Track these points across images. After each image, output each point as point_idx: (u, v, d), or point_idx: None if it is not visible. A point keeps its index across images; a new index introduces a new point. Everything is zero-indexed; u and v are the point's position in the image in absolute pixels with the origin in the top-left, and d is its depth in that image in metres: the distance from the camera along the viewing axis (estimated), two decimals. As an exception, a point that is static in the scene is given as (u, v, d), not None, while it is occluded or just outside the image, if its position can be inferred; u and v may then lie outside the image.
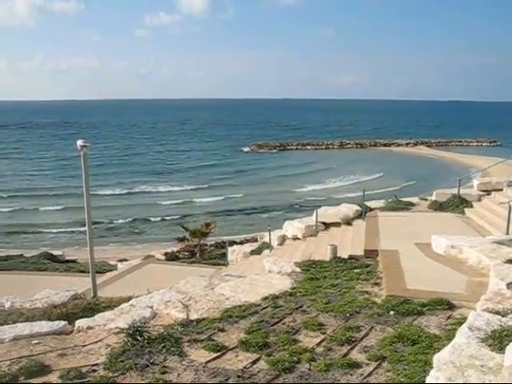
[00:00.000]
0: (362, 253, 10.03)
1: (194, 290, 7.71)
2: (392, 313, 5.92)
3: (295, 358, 4.71)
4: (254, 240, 22.45)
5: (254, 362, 4.73)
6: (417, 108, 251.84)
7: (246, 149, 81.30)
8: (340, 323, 5.71)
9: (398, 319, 5.72)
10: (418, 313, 5.85)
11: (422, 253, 9.11)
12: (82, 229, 29.01)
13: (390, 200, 16.63)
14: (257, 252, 17.28)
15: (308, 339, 5.28)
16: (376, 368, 4.52)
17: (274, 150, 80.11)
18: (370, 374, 4.41)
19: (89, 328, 5.84)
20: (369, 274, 8.13)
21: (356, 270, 8.51)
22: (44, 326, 5.83)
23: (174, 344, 5.15)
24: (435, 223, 12.50)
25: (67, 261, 21.93)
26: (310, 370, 4.52)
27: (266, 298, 6.79)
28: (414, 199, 16.53)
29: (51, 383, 4.43)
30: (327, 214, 15.89)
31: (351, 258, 9.84)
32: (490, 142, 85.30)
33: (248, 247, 19.13)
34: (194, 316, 6.08)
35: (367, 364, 4.62)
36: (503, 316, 4.34)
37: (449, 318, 5.72)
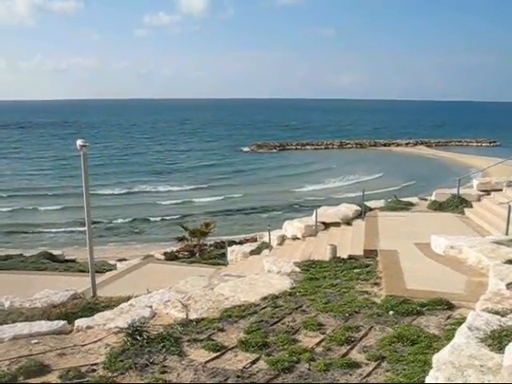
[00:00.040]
0: (362, 253, 10.03)
1: (193, 289, 7.71)
2: (391, 313, 5.92)
3: (294, 358, 4.71)
4: (254, 240, 22.46)
5: (254, 362, 4.73)
6: (417, 108, 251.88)
7: (246, 149, 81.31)
8: (339, 323, 5.71)
9: (397, 319, 5.72)
10: (418, 313, 5.85)
11: (421, 253, 9.11)
12: (81, 228, 28.99)
13: (389, 200, 16.64)
14: (256, 252, 17.29)
15: (307, 339, 5.28)
16: (375, 368, 4.52)
17: (274, 150, 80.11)
18: (369, 374, 4.41)
19: (88, 328, 5.84)
20: (368, 273, 8.13)
21: (355, 270, 8.51)
22: (43, 325, 5.83)
23: (174, 344, 5.15)
24: (435, 223, 12.50)
25: (66, 260, 21.92)
26: (309, 369, 4.52)
27: (265, 298, 6.79)
28: (414, 199, 16.53)
29: (50, 383, 4.43)
30: (327, 213, 15.89)
31: (351, 257, 9.83)
32: (490, 142, 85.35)
33: (247, 247, 19.14)
34: (193, 316, 6.08)
35: (366, 364, 4.62)
36: (502, 316, 4.34)
37: (448, 318, 5.73)
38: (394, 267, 8.06)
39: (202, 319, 5.96)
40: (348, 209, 15.58)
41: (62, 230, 35.39)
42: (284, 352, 4.88)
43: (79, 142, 9.12)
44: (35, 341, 5.35)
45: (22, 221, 37.85)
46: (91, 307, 7.39)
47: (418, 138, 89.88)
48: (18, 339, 5.39)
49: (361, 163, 64.13)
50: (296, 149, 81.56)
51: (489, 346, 3.67)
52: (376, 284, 7.41)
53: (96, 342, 5.40)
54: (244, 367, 4.62)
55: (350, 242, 11.55)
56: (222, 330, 5.60)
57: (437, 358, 3.48)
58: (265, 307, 6.42)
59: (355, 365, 4.59)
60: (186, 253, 25.16)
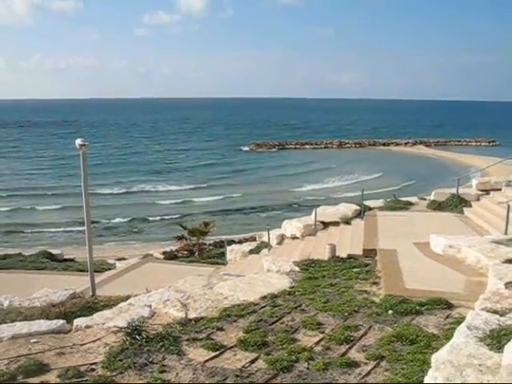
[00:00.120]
0: (361, 252, 10.04)
1: (192, 289, 7.71)
2: (390, 312, 5.92)
3: (293, 357, 4.71)
4: (253, 239, 22.46)
5: (253, 361, 4.72)
6: (417, 108, 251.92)
7: (245, 148, 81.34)
8: (338, 322, 5.71)
9: (396, 318, 5.72)
10: (417, 312, 5.85)
11: (420, 252, 9.11)
12: (80, 228, 28.98)
13: (388, 199, 16.65)
14: (255, 251, 17.30)
15: (306, 338, 5.28)
16: (374, 367, 4.52)
17: (273, 150, 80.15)
18: (368, 374, 4.41)
19: (87, 327, 5.84)
20: (367, 273, 8.13)
21: (355, 270, 8.51)
22: (42, 324, 5.82)
23: (173, 343, 5.14)
24: (434, 223, 12.51)
25: (66, 260, 21.90)
26: (308, 369, 4.52)
27: (264, 297, 6.79)
28: (413, 199, 16.54)
29: (49, 382, 4.43)
30: (326, 213, 15.89)
31: (350, 257, 9.84)
32: (489, 142, 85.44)
33: (247, 246, 19.15)
34: (192, 315, 6.08)
35: (365, 363, 4.62)
36: (501, 315, 4.34)
37: (447, 317, 5.73)
38: (393, 267, 8.07)
39: (201, 318, 5.96)
40: (347, 208, 15.59)
41: (61, 229, 35.42)
42: (283, 351, 4.88)
43: (78, 142, 9.10)
44: (34, 340, 5.35)
45: (21, 220, 37.87)
46: (90, 306, 7.38)
47: (418, 137, 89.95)
48: (17, 338, 5.39)
49: (360, 163, 64.17)
50: (295, 148, 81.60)
51: (488, 345, 3.67)
52: (375, 283, 7.41)
53: (95, 341, 5.40)
54: (243, 366, 4.62)
55: (349, 242, 11.56)
56: (221, 330, 5.60)
57: (436, 358, 3.48)
58: (264, 306, 6.42)
59: (354, 364, 4.59)
60: (185, 252, 25.18)
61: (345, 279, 7.82)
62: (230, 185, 51.97)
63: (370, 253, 9.81)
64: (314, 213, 15.29)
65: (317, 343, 5.12)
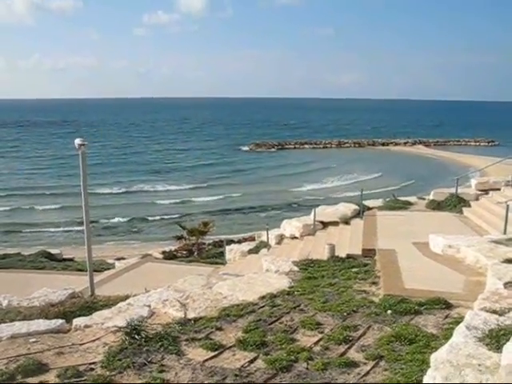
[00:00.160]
0: (360, 252, 10.03)
1: (191, 288, 7.71)
2: (389, 312, 5.92)
3: (292, 357, 4.71)
4: (252, 239, 22.45)
5: (252, 361, 4.72)
6: (416, 107, 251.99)
7: (245, 148, 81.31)
8: (337, 322, 5.71)
9: (395, 318, 5.72)
10: (416, 312, 5.85)
11: (419, 252, 9.12)
12: (79, 227, 28.96)
13: (388, 199, 16.65)
14: (255, 251, 17.30)
15: (305, 338, 5.28)
16: (373, 367, 4.52)
17: (273, 149, 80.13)
18: (367, 373, 4.41)
19: (86, 326, 5.84)
20: (366, 273, 8.13)
21: (354, 269, 8.51)
22: (41, 324, 5.82)
23: (172, 343, 5.15)
24: (433, 222, 12.52)
25: (65, 259, 21.88)
26: (307, 369, 4.52)
27: (263, 297, 6.79)
28: (412, 198, 16.55)
29: (48, 382, 4.42)
30: (325, 213, 15.90)
31: (349, 257, 9.84)
32: (488, 142, 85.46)
33: (246, 246, 19.15)
34: (191, 315, 6.08)
35: (364, 363, 4.62)
36: (500, 315, 4.35)
37: (446, 317, 5.73)
38: (392, 266, 8.07)
39: (200, 318, 5.96)
40: (346, 208, 15.59)
41: (61, 228, 35.38)
42: (282, 351, 4.88)
43: (77, 141, 9.09)
44: (33, 340, 5.35)
45: (20, 220, 37.83)
46: (89, 306, 7.37)
47: (417, 137, 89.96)
48: (16, 338, 5.39)
49: (359, 162, 64.18)
50: (295, 148, 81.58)
51: (487, 345, 3.67)
52: (374, 283, 7.41)
53: (94, 340, 5.40)
54: (242, 366, 4.62)
55: (348, 241, 11.57)
56: (220, 329, 5.60)
57: (435, 357, 3.49)
58: (263, 306, 6.42)
59: (353, 364, 4.59)
60: (185, 252, 25.16)
61: (344, 279, 7.82)
62: (229, 184, 51.95)
63: (369, 252, 9.81)
64: (313, 212, 15.29)
65: (316, 343, 5.12)
